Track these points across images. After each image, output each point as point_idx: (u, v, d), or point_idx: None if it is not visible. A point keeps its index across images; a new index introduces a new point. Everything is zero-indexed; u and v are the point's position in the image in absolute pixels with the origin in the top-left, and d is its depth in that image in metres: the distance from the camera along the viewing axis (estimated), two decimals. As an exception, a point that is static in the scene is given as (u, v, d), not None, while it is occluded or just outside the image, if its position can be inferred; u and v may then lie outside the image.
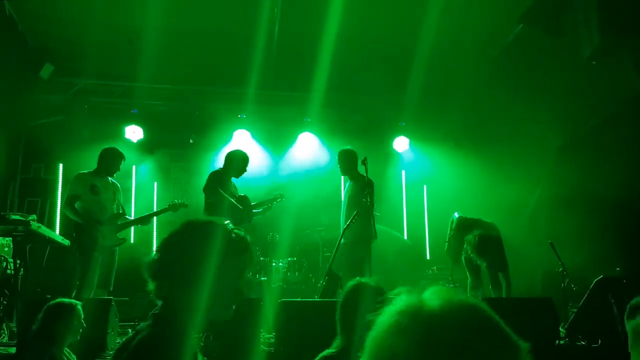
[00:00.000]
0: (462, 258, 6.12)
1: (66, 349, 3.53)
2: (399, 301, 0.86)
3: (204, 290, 1.63)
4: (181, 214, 6.89)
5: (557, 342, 4.76)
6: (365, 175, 6.09)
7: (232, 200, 6.00)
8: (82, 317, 3.61)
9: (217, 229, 1.73)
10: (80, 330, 3.59)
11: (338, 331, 2.57)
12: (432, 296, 0.85)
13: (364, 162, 6.14)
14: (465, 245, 5.94)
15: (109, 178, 6.10)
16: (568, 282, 5.61)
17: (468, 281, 6.15)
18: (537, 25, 6.54)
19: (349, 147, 6.60)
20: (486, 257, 5.84)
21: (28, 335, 3.51)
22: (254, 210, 6.40)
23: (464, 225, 6.15)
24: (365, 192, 6.01)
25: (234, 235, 1.74)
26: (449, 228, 6.45)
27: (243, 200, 6.22)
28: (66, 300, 3.66)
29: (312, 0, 6.77)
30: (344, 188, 6.63)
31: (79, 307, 3.62)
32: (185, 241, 1.69)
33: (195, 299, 1.63)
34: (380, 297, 2.74)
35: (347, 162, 6.41)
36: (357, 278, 2.87)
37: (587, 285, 5.18)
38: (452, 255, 6.39)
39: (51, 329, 3.46)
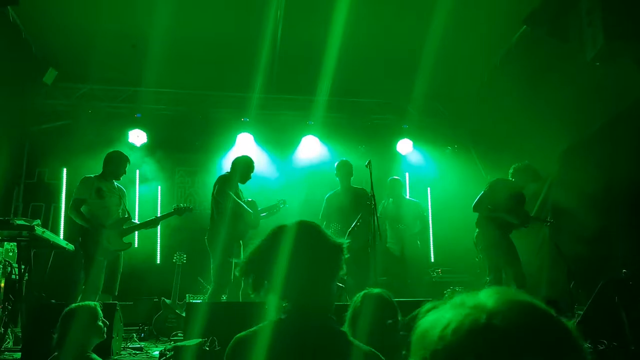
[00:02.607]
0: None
1: (93, 354, 3.49)
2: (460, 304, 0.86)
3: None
4: (186, 218, 6.90)
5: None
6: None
7: (243, 204, 6.01)
8: (102, 316, 3.59)
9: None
10: (104, 329, 3.59)
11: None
12: (491, 298, 0.84)
13: (368, 165, 6.15)
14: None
15: (115, 182, 6.10)
16: (574, 284, 5.59)
17: (486, 278, 6.10)
18: (541, 28, 6.53)
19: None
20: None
21: (51, 344, 3.45)
22: (260, 215, 6.42)
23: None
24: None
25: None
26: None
27: (251, 205, 6.23)
28: (84, 303, 3.65)
29: (316, 4, 6.78)
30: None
31: (98, 307, 3.61)
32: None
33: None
34: (388, 307, 2.78)
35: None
36: (367, 289, 2.90)
37: (593, 287, 5.17)
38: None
39: (73, 335, 3.41)
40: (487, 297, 0.84)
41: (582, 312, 5.27)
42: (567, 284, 5.59)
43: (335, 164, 7.00)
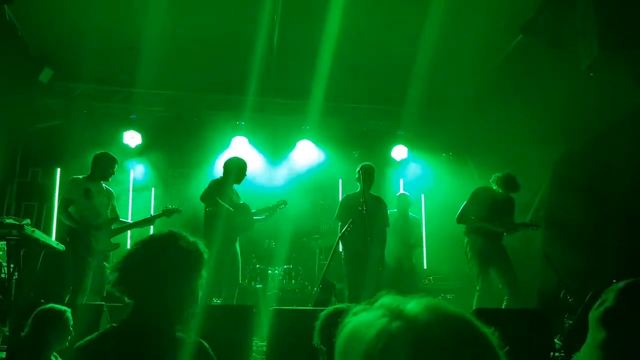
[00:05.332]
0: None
1: (54, 354, 3.47)
2: (381, 309, 0.86)
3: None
4: (178, 220, 6.87)
5: (551, 354, 4.73)
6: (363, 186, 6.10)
7: (230, 208, 5.98)
8: (72, 324, 3.54)
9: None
10: (69, 337, 3.53)
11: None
12: (418, 306, 0.83)
13: (361, 171, 6.12)
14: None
15: (103, 183, 6.09)
16: (564, 294, 5.58)
17: (477, 288, 6.07)
18: (537, 37, 6.55)
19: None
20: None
21: (17, 342, 3.45)
22: (255, 217, 6.38)
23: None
24: (361, 201, 5.97)
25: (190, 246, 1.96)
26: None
27: (243, 208, 6.20)
28: (56, 306, 3.57)
29: (312, 9, 6.78)
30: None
31: (68, 313, 3.54)
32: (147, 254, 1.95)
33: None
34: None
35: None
36: (337, 305, 2.86)
37: (583, 297, 5.15)
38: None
39: (40, 335, 3.40)
40: (414, 305, 0.84)
41: (572, 322, 5.26)
42: (557, 294, 5.58)
43: (358, 168, 6.37)
